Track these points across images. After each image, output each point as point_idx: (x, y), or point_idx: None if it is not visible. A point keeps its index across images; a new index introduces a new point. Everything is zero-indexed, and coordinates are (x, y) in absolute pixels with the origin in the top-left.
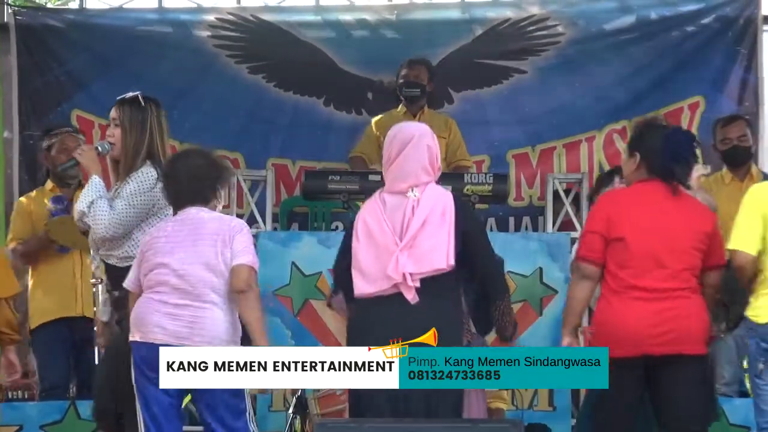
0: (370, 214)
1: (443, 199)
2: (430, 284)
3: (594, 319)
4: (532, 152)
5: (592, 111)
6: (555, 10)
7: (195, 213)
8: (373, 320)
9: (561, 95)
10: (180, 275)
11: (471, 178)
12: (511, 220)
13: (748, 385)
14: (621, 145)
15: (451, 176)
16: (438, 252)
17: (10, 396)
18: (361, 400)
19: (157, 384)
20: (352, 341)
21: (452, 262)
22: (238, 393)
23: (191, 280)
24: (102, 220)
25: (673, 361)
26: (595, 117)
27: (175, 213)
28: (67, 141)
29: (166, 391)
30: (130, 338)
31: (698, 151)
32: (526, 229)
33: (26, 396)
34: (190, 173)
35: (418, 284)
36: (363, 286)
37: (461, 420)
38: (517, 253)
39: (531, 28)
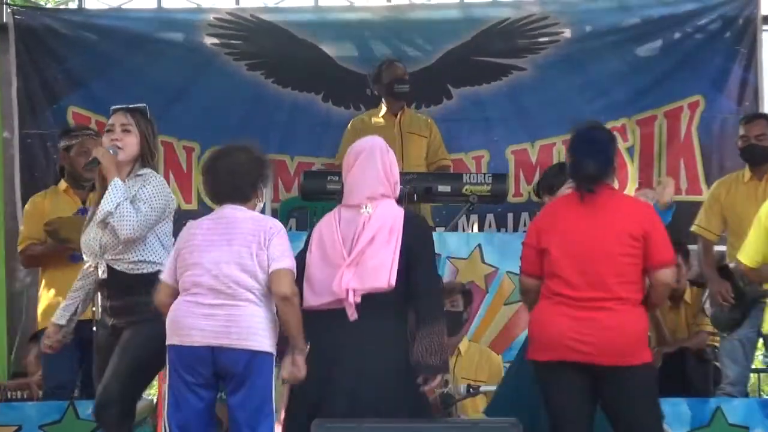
0: (325, 228)
1: (393, 215)
2: (372, 301)
3: (529, 323)
4: (531, 148)
5: (592, 108)
6: (554, 10)
7: (231, 212)
8: (317, 334)
9: (560, 92)
10: (214, 275)
11: (470, 178)
12: (510, 216)
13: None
14: (620, 143)
15: (450, 176)
16: (381, 270)
17: (9, 396)
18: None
19: (193, 389)
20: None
21: (393, 281)
22: (267, 399)
23: (225, 280)
24: (129, 222)
25: (609, 373)
26: (594, 114)
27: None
28: (87, 143)
29: (199, 396)
30: (168, 342)
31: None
32: (524, 225)
33: (25, 396)
34: (231, 170)
35: (359, 300)
36: (310, 298)
37: (461, 420)
38: (515, 253)
39: (530, 27)
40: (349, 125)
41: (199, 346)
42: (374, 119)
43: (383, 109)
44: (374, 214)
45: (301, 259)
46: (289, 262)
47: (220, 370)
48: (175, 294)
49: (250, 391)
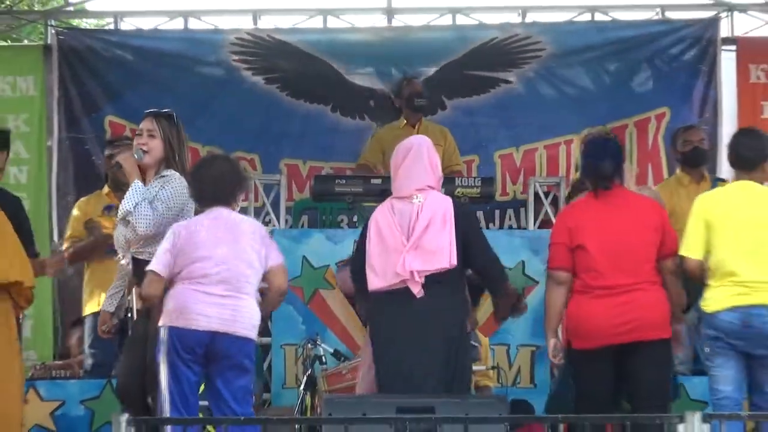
0: (381, 218)
1: (444, 204)
2: (434, 280)
3: (566, 317)
4: (516, 153)
5: (570, 117)
6: (537, 30)
7: (226, 213)
8: (386, 312)
9: (542, 102)
10: (226, 269)
11: (461, 181)
12: (497, 212)
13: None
14: None
15: (444, 179)
16: (442, 252)
17: (53, 375)
18: None
19: (189, 365)
20: (372, 332)
21: (454, 261)
22: (251, 380)
23: (234, 273)
24: (146, 220)
25: (637, 347)
26: (572, 122)
27: (200, 211)
28: (123, 151)
29: (193, 371)
30: (169, 323)
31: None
32: (510, 220)
33: (68, 375)
34: (216, 177)
35: (423, 280)
36: (375, 282)
37: (454, 396)
38: (502, 248)
39: (515, 44)
40: (375, 133)
41: (203, 330)
42: (396, 129)
43: (403, 120)
44: (425, 203)
45: (361, 247)
46: (282, 259)
47: (214, 352)
48: (164, 285)
49: (241, 372)
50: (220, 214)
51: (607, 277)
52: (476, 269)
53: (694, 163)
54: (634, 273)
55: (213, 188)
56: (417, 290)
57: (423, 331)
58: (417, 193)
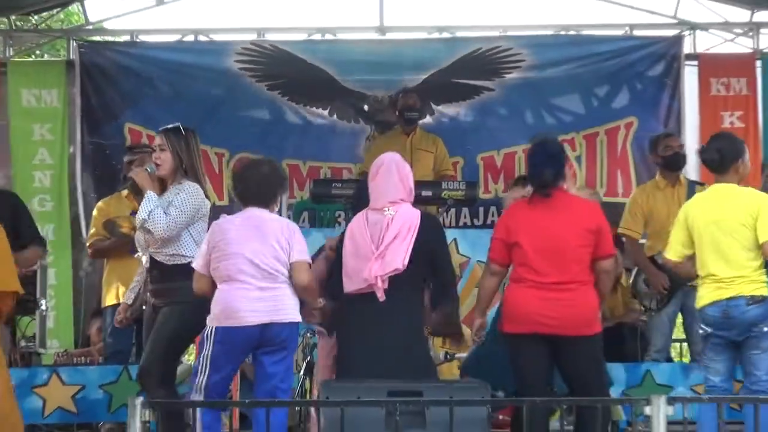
0: (356, 227)
1: (412, 216)
2: (394, 283)
3: (503, 301)
4: (497, 155)
5: (546, 123)
6: (517, 43)
7: (257, 213)
8: (352, 313)
9: (521, 109)
10: (255, 264)
11: (448, 185)
12: (481, 209)
13: (673, 353)
14: (570, 153)
15: (432, 184)
16: (397, 257)
17: (75, 361)
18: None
19: (231, 359)
20: (339, 325)
21: (406, 263)
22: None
23: (266, 267)
24: (160, 225)
25: (566, 341)
26: (548, 128)
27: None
28: (146, 159)
29: (234, 365)
30: (217, 324)
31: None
32: (492, 216)
33: (88, 361)
34: (259, 179)
35: (386, 285)
36: (348, 285)
37: (440, 381)
38: (484, 246)
39: (498, 55)
40: (373, 141)
41: (254, 325)
42: (391, 138)
43: (398, 129)
44: (396, 216)
45: (339, 254)
46: (306, 256)
47: (266, 340)
48: (210, 281)
49: (286, 353)
50: (252, 213)
51: (539, 274)
52: (434, 276)
53: (675, 167)
54: (564, 272)
55: (257, 189)
56: (380, 295)
57: (383, 326)
58: (389, 205)
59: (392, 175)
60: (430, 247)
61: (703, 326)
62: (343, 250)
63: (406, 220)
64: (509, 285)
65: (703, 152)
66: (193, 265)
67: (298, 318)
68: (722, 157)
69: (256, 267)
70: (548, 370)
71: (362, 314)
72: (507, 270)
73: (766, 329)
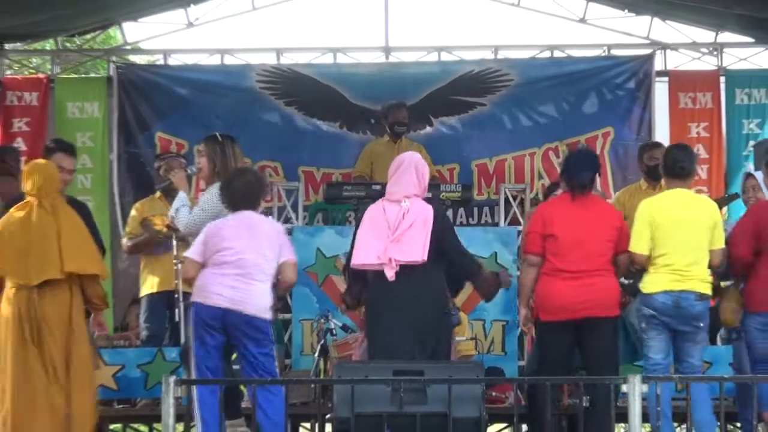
0: (374, 213)
1: (426, 210)
2: (414, 271)
3: (535, 294)
4: (489, 162)
5: (533, 134)
6: (506, 64)
7: (249, 215)
8: (376, 297)
9: (510, 122)
10: (240, 258)
11: (446, 187)
12: (475, 210)
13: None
14: (554, 159)
15: (431, 186)
16: (416, 249)
17: (115, 344)
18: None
19: (210, 332)
20: (366, 312)
21: (425, 257)
22: (268, 346)
23: (247, 262)
24: (183, 221)
25: (593, 322)
26: (535, 138)
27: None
28: (171, 163)
29: (214, 338)
30: (194, 299)
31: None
32: (485, 216)
33: (127, 344)
34: (244, 186)
35: (398, 268)
36: (357, 258)
37: (442, 361)
38: (479, 242)
39: (489, 75)
40: (364, 148)
41: (217, 306)
42: (381, 145)
43: (387, 137)
44: (411, 207)
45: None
46: (294, 256)
47: (227, 325)
48: (199, 268)
49: (256, 342)
50: (244, 215)
51: (571, 263)
52: (450, 262)
53: (656, 176)
54: (592, 262)
55: (242, 195)
56: (390, 275)
57: (404, 312)
58: (405, 198)
59: (411, 173)
60: (443, 238)
61: (647, 308)
62: (359, 231)
63: (420, 213)
64: (542, 278)
65: (674, 161)
66: (186, 253)
67: (259, 314)
68: (691, 166)
69: (240, 261)
70: (572, 354)
71: (383, 301)
72: (542, 261)
73: (702, 325)
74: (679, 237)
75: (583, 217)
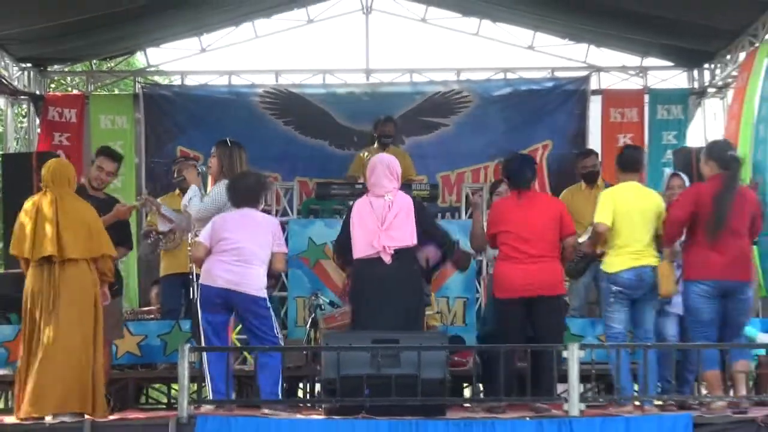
0: (362, 208)
1: (407, 200)
2: (399, 254)
3: (493, 276)
4: (451, 174)
5: (487, 149)
6: (466, 87)
7: (250, 211)
8: (363, 274)
9: (470, 139)
10: (238, 246)
11: (416, 186)
12: (439, 214)
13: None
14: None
15: (404, 185)
16: (406, 235)
17: (139, 317)
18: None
19: (215, 310)
20: (354, 286)
21: (415, 241)
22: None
23: (245, 251)
24: (195, 208)
25: (541, 300)
26: (489, 153)
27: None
28: (185, 164)
29: (220, 314)
30: (201, 282)
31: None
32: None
33: (149, 317)
34: (246, 187)
35: (392, 252)
36: (357, 251)
37: (412, 332)
38: None
39: (453, 97)
40: (357, 155)
41: (218, 287)
42: (371, 152)
43: (376, 145)
44: (394, 200)
45: (345, 227)
46: (284, 248)
47: (230, 302)
48: (207, 250)
49: (255, 316)
50: (246, 212)
51: (520, 251)
52: (434, 242)
53: (588, 180)
54: (541, 248)
55: (245, 194)
56: (387, 259)
57: (390, 289)
58: (387, 193)
59: (388, 171)
60: (425, 222)
61: (614, 286)
62: (351, 226)
63: (403, 203)
64: (497, 263)
65: (629, 158)
66: (197, 237)
67: (254, 293)
68: (642, 163)
69: (238, 250)
70: (526, 322)
71: (372, 279)
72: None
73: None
74: (635, 222)
75: (529, 210)
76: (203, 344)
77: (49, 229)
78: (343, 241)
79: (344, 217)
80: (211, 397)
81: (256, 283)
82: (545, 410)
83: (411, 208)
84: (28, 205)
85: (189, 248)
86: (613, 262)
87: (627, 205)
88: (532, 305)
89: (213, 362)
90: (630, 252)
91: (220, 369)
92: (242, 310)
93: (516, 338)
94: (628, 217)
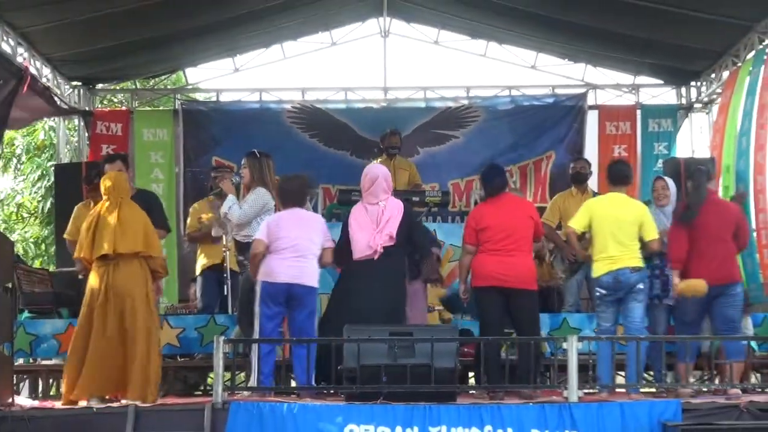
0: (358, 214)
1: (398, 205)
2: (388, 252)
3: (471, 267)
4: (461, 182)
5: (494, 159)
6: (475, 103)
7: (300, 211)
8: (355, 273)
9: (478, 150)
10: (295, 243)
11: (429, 193)
12: (449, 218)
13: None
14: (509, 179)
15: (419, 192)
16: (392, 230)
17: (177, 312)
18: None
19: (275, 305)
20: (339, 283)
21: (394, 237)
22: (314, 312)
23: (301, 246)
24: (235, 215)
25: (516, 293)
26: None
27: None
28: (223, 174)
29: (277, 310)
30: (262, 280)
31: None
32: (458, 223)
33: (187, 312)
34: (294, 188)
35: (382, 251)
36: (357, 253)
37: (425, 325)
38: (455, 235)
39: (462, 112)
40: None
41: (281, 282)
42: (380, 161)
43: (384, 156)
44: (387, 205)
45: (345, 233)
46: (332, 244)
47: (291, 295)
48: (266, 245)
49: (307, 308)
50: (296, 211)
51: (497, 244)
52: (414, 242)
53: (575, 181)
54: (516, 244)
55: (293, 195)
56: (377, 256)
57: (377, 282)
58: (380, 200)
59: (380, 182)
60: (409, 224)
61: (598, 289)
62: (349, 230)
63: (394, 207)
64: (476, 256)
65: (617, 171)
66: (256, 236)
67: (313, 284)
68: (630, 177)
69: (294, 246)
70: (504, 315)
71: (361, 275)
72: (476, 249)
73: (641, 287)
74: (613, 229)
75: (503, 210)
76: (256, 335)
77: (107, 231)
78: (343, 246)
79: (342, 224)
80: None
81: (314, 276)
82: (537, 396)
83: (401, 210)
84: (90, 212)
85: (224, 247)
86: (595, 268)
87: (603, 214)
88: (509, 298)
89: (263, 357)
90: (605, 257)
91: (269, 366)
92: (297, 304)
93: (494, 328)
94: (602, 226)
